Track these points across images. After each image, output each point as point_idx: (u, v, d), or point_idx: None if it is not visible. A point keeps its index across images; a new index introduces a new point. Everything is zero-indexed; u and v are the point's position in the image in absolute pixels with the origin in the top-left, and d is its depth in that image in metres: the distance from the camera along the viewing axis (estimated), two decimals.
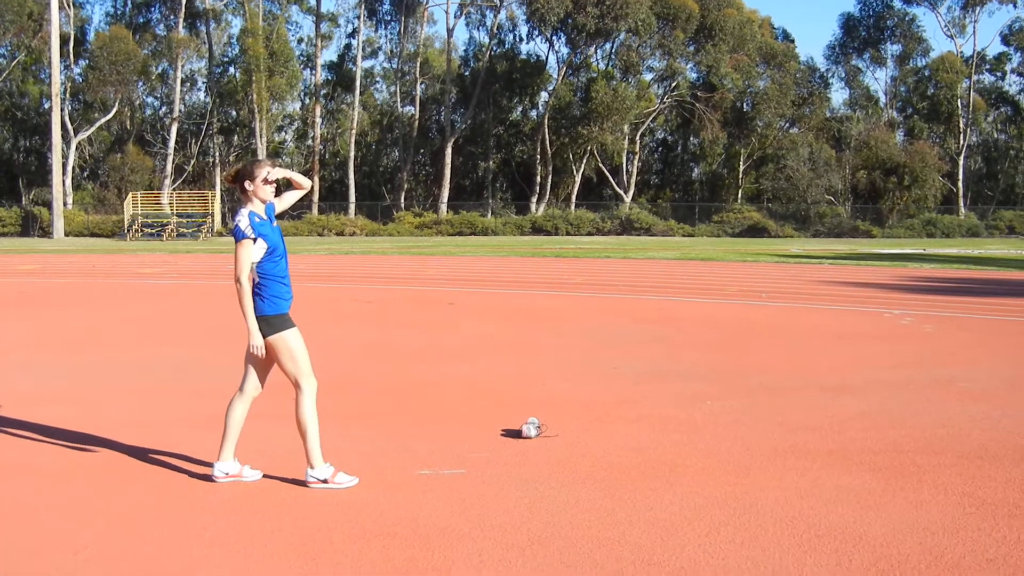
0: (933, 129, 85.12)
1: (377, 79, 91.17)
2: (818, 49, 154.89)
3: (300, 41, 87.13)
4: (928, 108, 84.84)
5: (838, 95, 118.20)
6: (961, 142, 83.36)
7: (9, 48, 73.99)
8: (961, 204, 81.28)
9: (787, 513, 5.95)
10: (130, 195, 65.80)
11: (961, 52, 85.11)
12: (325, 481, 6.45)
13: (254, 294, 6.42)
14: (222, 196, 68.35)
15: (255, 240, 6.38)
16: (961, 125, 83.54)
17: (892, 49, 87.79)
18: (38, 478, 6.70)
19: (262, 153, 73.61)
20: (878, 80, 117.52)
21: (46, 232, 63.55)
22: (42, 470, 6.92)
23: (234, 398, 6.66)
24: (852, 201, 78.18)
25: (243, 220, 6.40)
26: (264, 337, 6.44)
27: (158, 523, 5.77)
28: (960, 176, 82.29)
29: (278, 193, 6.71)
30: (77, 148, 73.01)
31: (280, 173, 6.61)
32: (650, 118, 79.58)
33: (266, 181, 6.50)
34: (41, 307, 18.71)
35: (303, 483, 6.50)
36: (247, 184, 6.49)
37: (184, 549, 5.35)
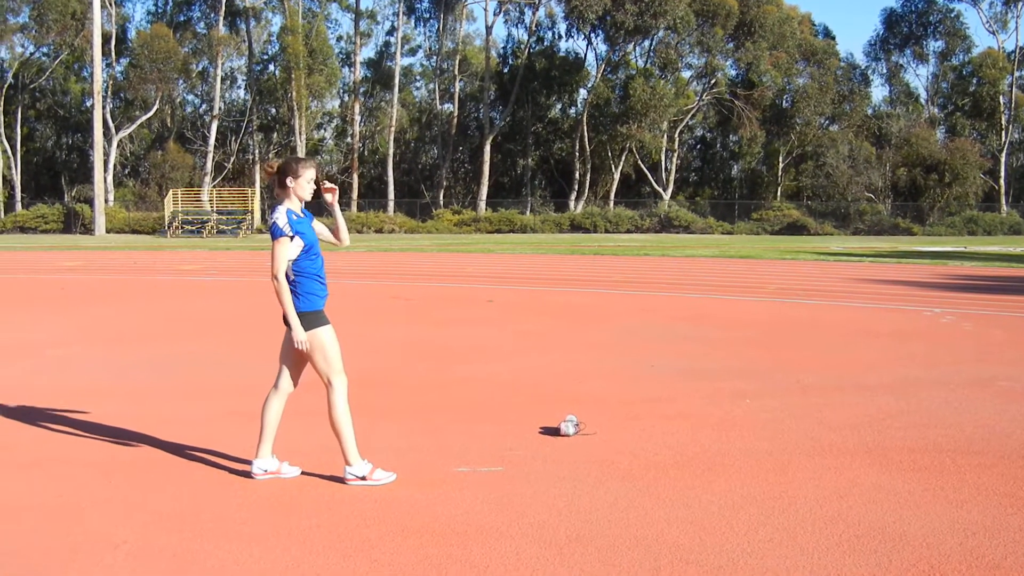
0: (975, 126, 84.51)
1: (416, 76, 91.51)
2: (858, 46, 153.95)
3: (339, 39, 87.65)
4: (970, 105, 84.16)
5: (878, 92, 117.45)
6: (1003, 139, 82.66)
7: (52, 47, 74.68)
8: (1003, 201, 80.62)
9: (826, 512, 5.92)
10: (170, 192, 66.26)
11: (1003, 48, 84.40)
12: (363, 478, 6.46)
13: (295, 291, 6.44)
14: (262, 193, 68.62)
15: (292, 238, 6.38)
16: (1003, 122, 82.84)
17: (935, 45, 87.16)
18: (80, 472, 6.76)
19: (302, 151, 73.88)
20: (919, 77, 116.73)
21: (88, 229, 64.08)
22: (84, 464, 6.98)
23: (269, 395, 6.68)
24: (892, 199, 77.70)
25: (281, 218, 6.38)
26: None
27: (197, 519, 5.80)
28: (1002, 173, 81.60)
29: (315, 196, 6.70)
30: (118, 146, 73.64)
31: (335, 210, 6.71)
32: (689, 115, 79.41)
33: (309, 182, 6.51)
34: (84, 303, 18.87)
35: (340, 480, 6.52)
36: (289, 180, 6.47)
37: (222, 545, 5.38)
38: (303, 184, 6.49)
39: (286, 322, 6.45)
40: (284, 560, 5.16)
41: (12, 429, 8.07)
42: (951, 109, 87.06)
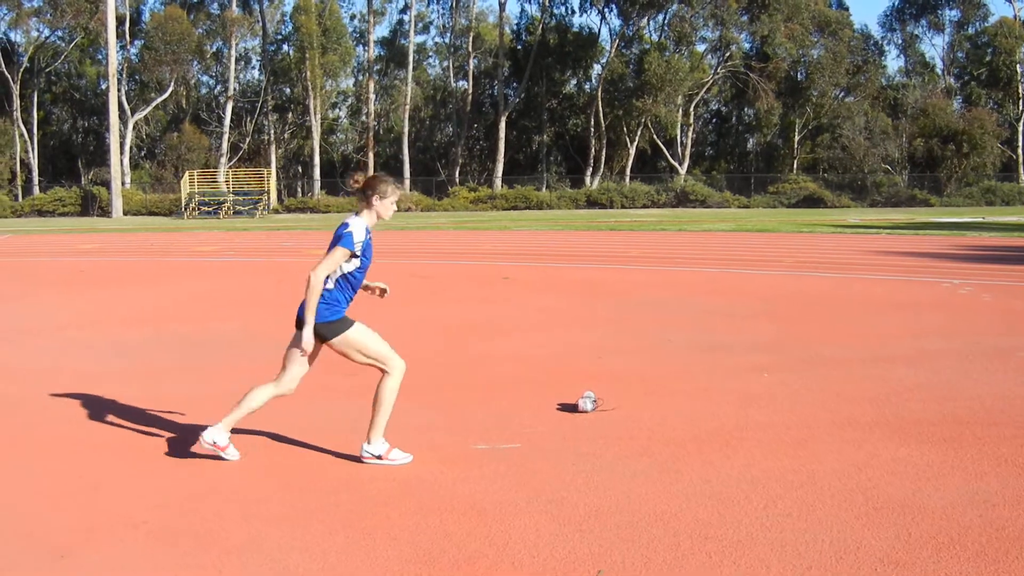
0: (991, 95, 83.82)
1: (430, 54, 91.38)
2: (871, 17, 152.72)
3: (353, 17, 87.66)
4: (986, 74, 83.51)
5: (893, 63, 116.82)
6: (1020, 108, 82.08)
7: (67, 30, 74.75)
8: (1021, 171, 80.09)
9: (845, 486, 5.91)
10: (187, 174, 66.33)
11: (1019, 16, 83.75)
12: (379, 457, 6.47)
13: (322, 297, 6.36)
14: (278, 173, 68.69)
15: (354, 257, 6.33)
16: (1020, 91, 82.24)
17: (950, 14, 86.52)
18: (99, 454, 6.79)
19: (317, 130, 73.98)
20: (935, 47, 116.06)
21: (105, 211, 64.19)
22: (104, 445, 7.01)
23: (263, 385, 6.65)
24: (909, 170, 77.25)
25: (358, 232, 6.31)
26: (325, 341, 6.40)
27: (216, 498, 5.82)
28: (1020, 142, 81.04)
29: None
30: (134, 128, 73.74)
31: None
32: (704, 89, 79.04)
33: (393, 204, 6.47)
34: (100, 285, 18.93)
35: (358, 459, 6.52)
36: (375, 199, 6.40)
37: (243, 524, 5.40)
38: (388, 205, 6.45)
39: (298, 323, 6.43)
40: (304, 538, 5.18)
41: (32, 410, 8.10)
42: (967, 79, 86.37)
